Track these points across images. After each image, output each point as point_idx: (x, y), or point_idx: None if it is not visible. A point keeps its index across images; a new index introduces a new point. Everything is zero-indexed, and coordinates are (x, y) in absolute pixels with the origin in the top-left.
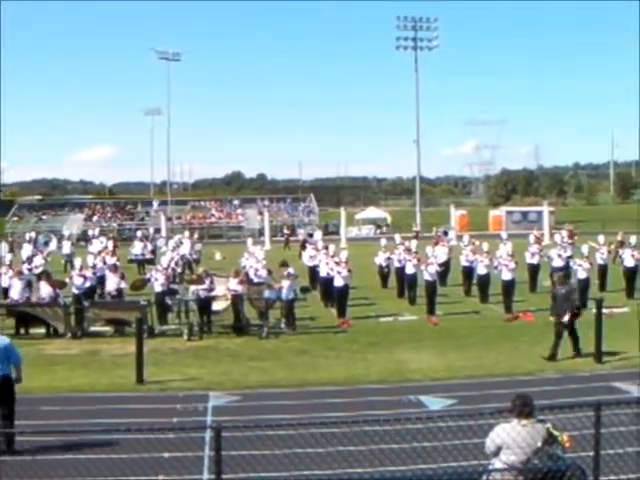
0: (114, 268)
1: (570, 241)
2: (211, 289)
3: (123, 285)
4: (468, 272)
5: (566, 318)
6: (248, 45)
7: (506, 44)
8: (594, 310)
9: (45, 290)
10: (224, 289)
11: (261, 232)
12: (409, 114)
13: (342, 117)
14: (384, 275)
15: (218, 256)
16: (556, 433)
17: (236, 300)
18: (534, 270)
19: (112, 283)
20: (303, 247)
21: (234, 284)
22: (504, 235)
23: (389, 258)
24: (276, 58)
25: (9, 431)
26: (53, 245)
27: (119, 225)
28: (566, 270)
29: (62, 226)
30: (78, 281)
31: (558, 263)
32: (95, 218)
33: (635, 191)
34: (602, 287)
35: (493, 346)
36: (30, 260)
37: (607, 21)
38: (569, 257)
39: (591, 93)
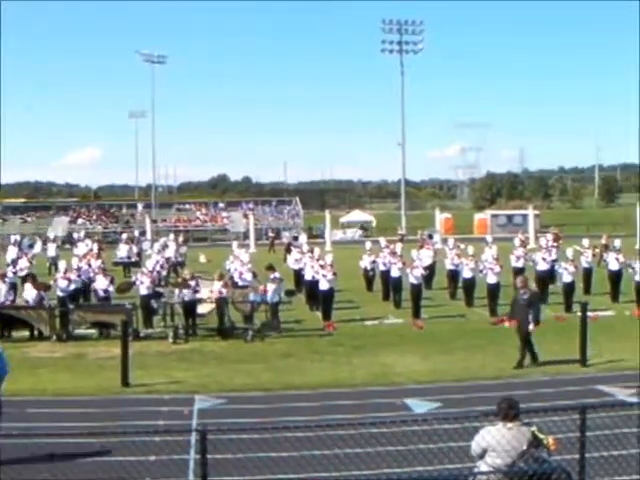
0: (103, 271)
1: (555, 244)
2: (196, 292)
3: (111, 289)
4: (453, 275)
5: (531, 327)
6: (233, 47)
7: (491, 47)
8: (579, 313)
9: (30, 293)
10: (209, 292)
11: (246, 235)
12: (394, 117)
13: (327, 120)
14: (369, 278)
15: (203, 258)
16: (541, 436)
17: (220, 303)
18: (519, 273)
19: (101, 285)
20: (288, 250)
21: (218, 287)
22: (489, 238)
23: (374, 261)
24: (261, 60)
25: None
26: (38, 248)
27: (104, 228)
28: (522, 273)
29: (47, 229)
30: (63, 284)
31: (543, 267)
32: (80, 221)
33: (620, 195)
34: (587, 290)
35: (478, 349)
36: (15, 263)
37: (592, 23)
38: (554, 261)
39: (576, 96)
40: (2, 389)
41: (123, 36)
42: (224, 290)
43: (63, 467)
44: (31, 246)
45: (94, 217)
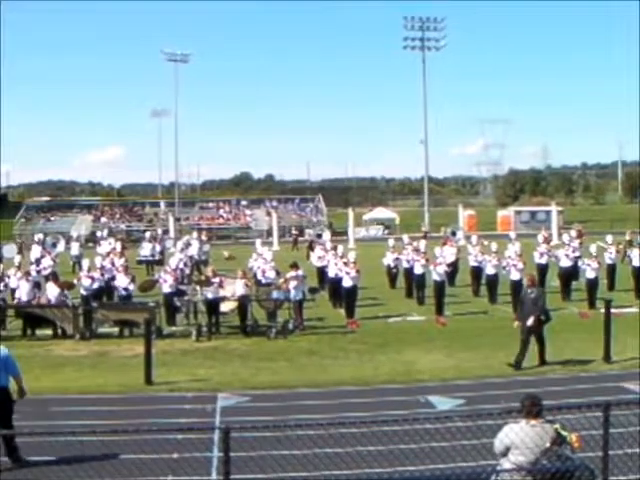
0: (125, 269)
1: (578, 241)
2: (219, 290)
3: (132, 287)
4: (477, 272)
5: (530, 322)
6: (256, 46)
7: (513, 43)
8: (603, 310)
9: (53, 291)
10: (232, 290)
11: (269, 233)
12: (417, 114)
13: (350, 117)
14: (392, 276)
15: (226, 254)
16: (565, 433)
17: (243, 301)
18: (543, 270)
19: (122, 284)
20: (311, 248)
21: (241, 285)
22: (512, 235)
23: (397, 258)
24: (283, 59)
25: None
26: (61, 246)
27: (127, 226)
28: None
29: (70, 227)
30: (86, 282)
31: (566, 263)
32: (103, 219)
33: None
34: (611, 287)
35: (502, 346)
36: (38, 261)
37: (614, 20)
38: (577, 257)
39: (599, 92)
40: (25, 387)
41: (146, 35)
42: (246, 288)
43: (85, 465)
44: (54, 245)
45: (117, 216)
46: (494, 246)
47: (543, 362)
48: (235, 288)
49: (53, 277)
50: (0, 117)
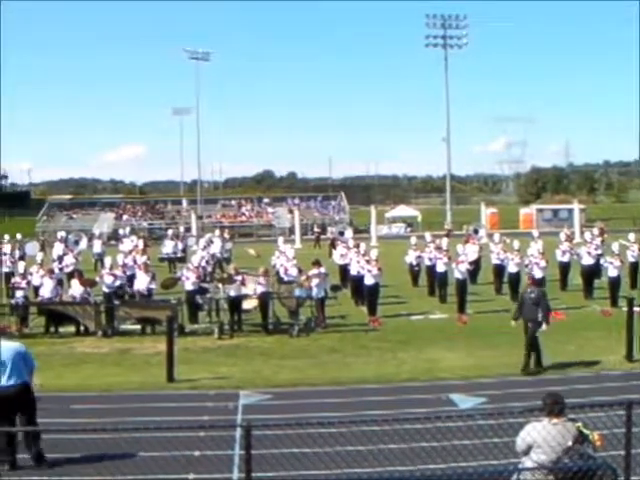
0: (145, 267)
1: (600, 239)
2: (241, 288)
3: (153, 285)
4: (499, 270)
5: (544, 327)
6: (277, 44)
7: (535, 41)
8: (625, 308)
9: (76, 289)
10: (254, 288)
11: (292, 231)
12: (439, 112)
13: (372, 115)
14: (414, 273)
15: (252, 252)
16: (587, 432)
17: (264, 299)
18: (565, 268)
19: (142, 282)
20: (333, 245)
21: (263, 283)
22: (535, 233)
23: (419, 256)
24: (305, 57)
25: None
26: (83, 244)
27: (149, 224)
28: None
29: (92, 225)
30: (108, 280)
31: (588, 261)
32: (125, 217)
33: None
34: (633, 285)
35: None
36: (61, 259)
37: (636, 18)
38: (599, 255)
39: (621, 90)
40: (35, 384)
41: (168, 33)
42: (267, 286)
43: (107, 462)
44: (77, 242)
45: (139, 213)
46: (516, 244)
47: (526, 369)
48: (257, 286)
49: (78, 274)
50: None
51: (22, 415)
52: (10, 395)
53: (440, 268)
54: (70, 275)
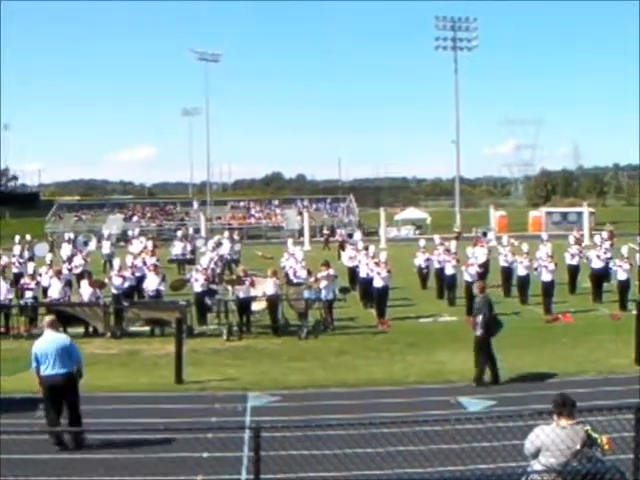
0: (155, 268)
1: (609, 242)
2: (250, 289)
3: (163, 287)
4: (507, 273)
5: (479, 333)
6: (286, 45)
7: (544, 44)
8: (634, 311)
9: (85, 290)
10: (263, 289)
11: (301, 233)
12: (448, 114)
13: (381, 117)
14: (423, 276)
15: (267, 254)
16: (596, 435)
17: (273, 301)
18: (574, 271)
19: (152, 283)
20: (342, 248)
21: (271, 284)
22: (544, 236)
23: (428, 259)
24: (314, 58)
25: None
26: (92, 245)
27: (159, 225)
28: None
29: (101, 226)
30: (117, 281)
31: (597, 264)
32: (135, 218)
33: None
34: None
35: (532, 347)
36: (70, 260)
37: None
38: (609, 258)
39: (630, 93)
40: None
41: (177, 34)
42: (277, 287)
43: (116, 463)
44: (86, 243)
45: (148, 214)
46: (525, 247)
47: (479, 380)
48: (266, 287)
49: (88, 275)
50: None
51: (66, 402)
52: (55, 384)
53: (449, 271)
54: (80, 276)
